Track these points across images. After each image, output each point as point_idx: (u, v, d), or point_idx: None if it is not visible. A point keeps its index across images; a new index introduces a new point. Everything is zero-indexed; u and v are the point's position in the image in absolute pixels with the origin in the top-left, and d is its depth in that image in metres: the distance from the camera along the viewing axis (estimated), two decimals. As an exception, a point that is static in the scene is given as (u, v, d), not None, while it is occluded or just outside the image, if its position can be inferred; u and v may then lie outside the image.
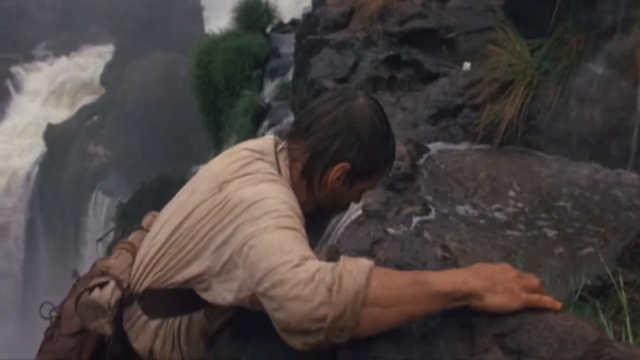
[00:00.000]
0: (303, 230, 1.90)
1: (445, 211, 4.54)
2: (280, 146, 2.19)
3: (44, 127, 26.23)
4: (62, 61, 29.15)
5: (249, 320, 2.00)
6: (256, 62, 11.64)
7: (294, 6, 16.59)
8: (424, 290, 1.63)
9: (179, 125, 22.77)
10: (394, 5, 7.04)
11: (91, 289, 2.27)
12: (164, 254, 2.15)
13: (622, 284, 2.73)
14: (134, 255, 2.34)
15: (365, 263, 1.67)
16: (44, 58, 29.00)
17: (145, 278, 2.21)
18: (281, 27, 13.01)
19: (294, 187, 2.13)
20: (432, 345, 1.67)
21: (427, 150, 5.33)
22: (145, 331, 2.24)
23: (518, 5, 5.89)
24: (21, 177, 25.29)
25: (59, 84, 28.04)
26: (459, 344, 1.66)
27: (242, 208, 1.93)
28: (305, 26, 8.32)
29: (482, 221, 4.42)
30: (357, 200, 2.31)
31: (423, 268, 3.82)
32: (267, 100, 10.35)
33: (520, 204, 4.67)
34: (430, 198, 4.69)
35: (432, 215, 4.48)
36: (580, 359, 1.56)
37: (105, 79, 27.54)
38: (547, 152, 5.35)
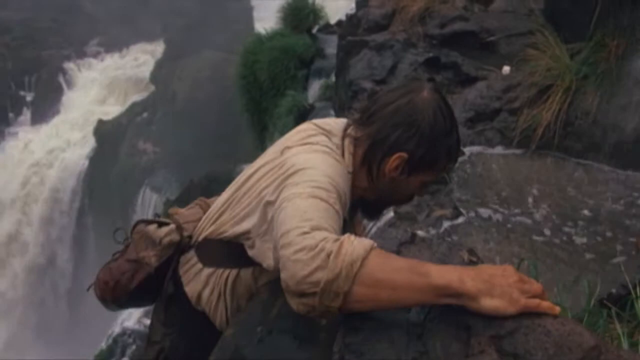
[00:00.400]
0: (337, 206, 1.92)
1: (476, 215, 4.52)
2: (348, 130, 2.24)
3: (94, 122, 26.61)
4: (114, 58, 29.57)
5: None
6: (301, 63, 11.67)
7: (342, 7, 16.62)
8: (419, 279, 1.64)
9: (227, 124, 22.89)
10: (435, 8, 7.03)
11: (150, 223, 2.51)
12: (225, 209, 2.31)
13: (642, 294, 2.69)
14: (204, 212, 2.49)
15: (368, 242, 1.70)
16: (95, 54, 29.43)
17: (205, 229, 2.38)
18: (328, 28, 13.05)
19: (356, 172, 2.19)
20: (427, 345, 1.67)
21: (462, 153, 5.30)
22: (197, 278, 2.40)
23: (558, 9, 5.83)
24: (71, 172, 25.68)
25: (110, 81, 28.43)
26: (455, 344, 1.66)
27: (290, 172, 2.02)
28: (347, 27, 8.35)
29: (511, 226, 4.38)
30: (419, 193, 2.35)
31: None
32: (311, 101, 10.39)
33: (552, 210, 4.63)
34: (461, 202, 4.67)
35: (462, 219, 4.47)
36: (576, 365, 1.55)
37: (155, 76, 27.84)
38: (584, 158, 5.29)
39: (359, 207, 2.44)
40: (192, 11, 28.27)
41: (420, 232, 4.46)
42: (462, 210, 4.57)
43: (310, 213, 1.83)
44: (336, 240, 1.69)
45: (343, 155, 2.17)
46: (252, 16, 28.03)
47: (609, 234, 4.30)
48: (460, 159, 5.31)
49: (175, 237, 2.45)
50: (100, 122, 26.48)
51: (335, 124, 2.28)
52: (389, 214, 4.82)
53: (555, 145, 5.35)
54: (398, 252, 4.12)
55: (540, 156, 5.36)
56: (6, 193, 25.55)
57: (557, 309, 1.63)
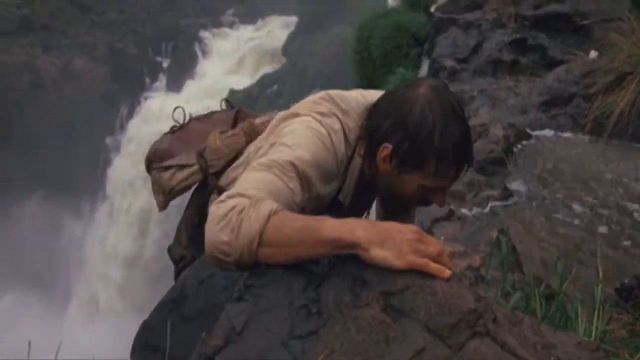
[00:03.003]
0: (293, 184, 2.00)
1: (528, 199, 4.46)
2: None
3: (226, 92, 27.30)
4: (248, 29, 30.18)
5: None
6: (415, 41, 11.61)
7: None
8: (312, 234, 1.73)
9: (354, 100, 22.93)
10: (531, -12, 6.88)
11: (167, 168, 2.63)
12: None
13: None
14: (248, 138, 2.57)
15: (265, 209, 1.78)
16: (231, 25, 30.12)
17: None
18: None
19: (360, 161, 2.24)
20: (321, 294, 1.74)
21: (529, 136, 5.21)
22: None
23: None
24: (203, 139, 26.35)
25: (243, 51, 29.05)
26: (347, 295, 1.71)
27: (273, 140, 2.14)
28: (449, 5, 8.27)
29: (559, 215, 4.28)
30: (419, 197, 2.23)
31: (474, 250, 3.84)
32: (420, 79, 10.34)
33: (612, 201, 4.49)
34: (514, 184, 4.61)
35: (510, 200, 4.42)
36: (453, 326, 1.58)
37: (287, 49, 28.25)
38: (659, 149, 5.10)
39: (378, 197, 2.51)
40: (327, -15, 28.44)
41: (464, 210, 4.46)
42: (514, 192, 4.52)
43: (249, 182, 1.95)
44: (241, 211, 1.80)
45: (348, 138, 2.21)
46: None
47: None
48: (525, 141, 5.24)
49: (194, 179, 2.59)
50: (232, 92, 27.12)
51: (357, 103, 2.29)
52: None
53: (628, 134, 5.18)
54: (430, 228, 4.16)
55: (612, 145, 5.21)
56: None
57: (447, 273, 1.66)
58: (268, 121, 2.52)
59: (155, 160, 2.77)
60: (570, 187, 4.55)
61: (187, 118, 2.85)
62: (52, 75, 26.79)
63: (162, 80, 28.43)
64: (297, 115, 2.22)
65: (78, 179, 25.46)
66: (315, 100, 2.27)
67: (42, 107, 26.04)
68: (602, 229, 4.04)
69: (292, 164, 2.02)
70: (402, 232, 1.68)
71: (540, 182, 4.63)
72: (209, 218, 1.83)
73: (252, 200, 1.83)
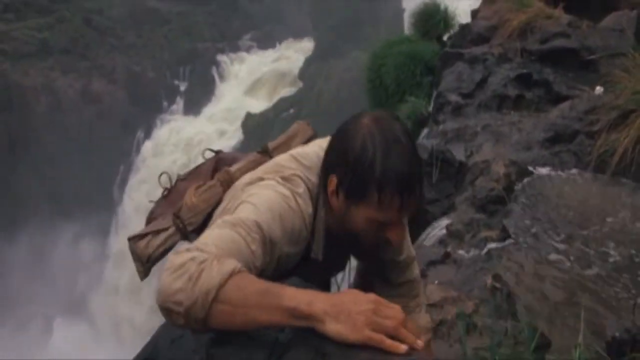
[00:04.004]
0: (254, 246, 1.96)
1: (526, 240, 4.39)
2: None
3: (242, 115, 27.43)
4: (265, 53, 30.38)
5: None
6: (428, 69, 11.60)
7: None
8: (271, 300, 1.71)
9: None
10: (538, 23, 6.85)
11: (142, 237, 2.52)
12: None
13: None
14: (225, 187, 2.48)
15: (229, 266, 1.76)
16: (248, 49, 30.35)
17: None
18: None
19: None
20: (282, 364, 1.72)
21: (531, 174, 5.16)
22: None
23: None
24: (219, 163, 26.50)
25: (260, 75, 29.23)
26: (308, 367, 1.70)
27: (236, 204, 2.13)
28: (457, 37, 8.26)
29: (557, 258, 4.20)
30: (372, 234, 2.14)
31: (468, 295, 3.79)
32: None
33: (612, 244, 4.40)
34: (513, 224, 4.55)
35: (507, 242, 4.36)
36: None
37: (303, 73, 28.41)
38: (663, 189, 5.02)
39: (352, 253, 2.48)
40: (343, 11, 28.59)
41: (461, 252, 4.41)
42: (513, 233, 4.45)
43: (211, 238, 1.93)
44: (202, 262, 1.76)
45: (311, 197, 2.21)
46: (402, 18, 28.02)
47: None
48: (526, 179, 5.18)
49: (172, 240, 2.53)
50: (249, 115, 27.28)
51: (319, 158, 2.26)
52: (442, 231, 4.79)
53: (632, 173, 5.11)
54: (425, 271, 4.11)
55: (615, 184, 5.13)
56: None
57: (403, 348, 1.63)
58: (246, 168, 2.50)
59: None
60: (570, 229, 4.48)
61: (174, 180, 2.83)
62: (70, 98, 27.04)
63: (180, 103, 28.67)
64: (261, 179, 2.22)
65: (94, 199, 25.62)
66: (279, 163, 2.28)
67: (61, 129, 26.27)
68: (600, 273, 3.96)
69: (258, 224, 2.00)
70: (358, 303, 1.66)
71: (539, 224, 4.56)
72: (166, 266, 1.79)
73: (212, 255, 1.80)
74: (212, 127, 28.06)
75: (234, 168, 2.59)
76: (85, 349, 21.59)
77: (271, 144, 2.66)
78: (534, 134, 5.60)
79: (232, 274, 1.75)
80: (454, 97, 6.21)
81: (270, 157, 2.52)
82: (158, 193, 2.83)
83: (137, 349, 2.17)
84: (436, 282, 3.89)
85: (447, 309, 3.60)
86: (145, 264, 2.53)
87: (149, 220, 2.78)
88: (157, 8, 29.27)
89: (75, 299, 24.30)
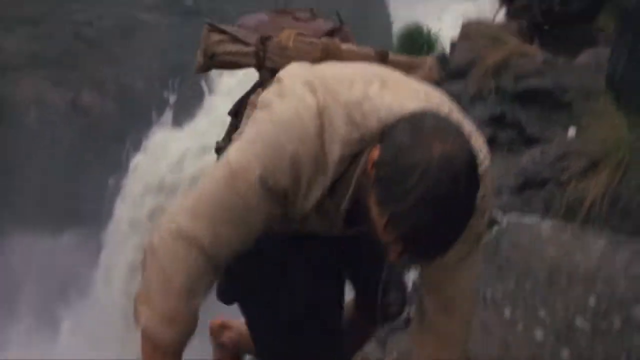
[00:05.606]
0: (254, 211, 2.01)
1: (490, 300, 4.38)
2: None
3: (231, 127, 27.30)
4: (255, 66, 30.27)
5: None
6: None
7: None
8: None
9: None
10: (513, 61, 6.82)
11: (220, 32, 2.68)
12: None
13: None
14: (323, 56, 2.43)
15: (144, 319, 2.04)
16: (237, 61, 30.26)
17: None
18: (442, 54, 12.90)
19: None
20: None
21: (497, 223, 5.15)
22: None
23: (618, 74, 5.54)
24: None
25: (249, 87, 29.10)
26: None
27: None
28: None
29: (523, 324, 4.16)
30: (376, 232, 1.88)
31: None
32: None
33: (581, 302, 4.34)
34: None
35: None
36: None
37: (294, 86, 28.32)
38: (634, 238, 4.99)
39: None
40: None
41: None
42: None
43: (197, 208, 2.04)
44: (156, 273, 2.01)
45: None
46: (391, 34, 27.95)
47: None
48: (497, 227, 5.16)
49: (242, 59, 2.63)
50: (238, 127, 27.13)
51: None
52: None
53: (602, 222, 5.10)
54: (384, 340, 4.08)
55: (585, 233, 5.10)
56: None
57: None
58: (354, 55, 2.38)
59: None
60: (537, 288, 4.47)
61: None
62: (60, 110, 26.94)
63: (169, 115, 28.50)
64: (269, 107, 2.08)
65: (83, 211, 25.49)
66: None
67: (50, 140, 26.18)
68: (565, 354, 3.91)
69: (261, 178, 1.96)
70: None
71: (504, 280, 4.56)
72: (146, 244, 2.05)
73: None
74: (201, 139, 27.95)
75: (344, 46, 2.46)
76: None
77: (392, 56, 2.53)
78: (506, 179, 5.60)
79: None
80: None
81: (383, 63, 2.39)
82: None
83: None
84: (395, 353, 3.83)
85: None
86: (207, 58, 2.49)
87: (237, 26, 2.70)
88: (147, 20, 29.22)
89: (58, 312, 24.16)
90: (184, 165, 26.65)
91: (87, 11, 28.85)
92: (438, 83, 2.65)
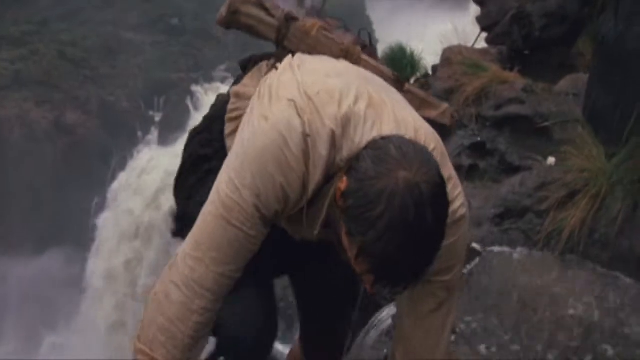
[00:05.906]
0: (253, 232, 2.06)
1: (470, 335, 4.36)
2: None
3: (218, 145, 27.24)
4: (240, 84, 30.30)
5: None
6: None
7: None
8: None
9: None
10: (493, 89, 6.84)
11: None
12: None
13: None
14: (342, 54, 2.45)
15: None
16: (223, 80, 30.26)
17: None
18: (425, 79, 12.93)
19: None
20: None
21: (479, 254, 5.15)
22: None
23: (593, 103, 5.58)
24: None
25: (234, 106, 29.15)
26: None
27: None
28: (417, 93, 8.24)
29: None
30: (353, 264, 1.88)
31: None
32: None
33: (561, 338, 4.33)
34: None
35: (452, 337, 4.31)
36: None
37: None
38: (610, 269, 5.00)
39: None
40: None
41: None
42: (457, 328, 4.41)
43: (201, 244, 2.06)
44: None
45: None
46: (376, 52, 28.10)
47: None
48: (477, 259, 5.15)
49: (262, 28, 2.56)
50: (224, 146, 27.06)
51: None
52: (387, 322, 4.70)
53: (580, 253, 5.11)
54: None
55: (565, 264, 5.11)
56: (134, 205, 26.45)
57: None
58: (374, 67, 2.42)
59: None
60: (518, 323, 4.45)
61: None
62: (44, 129, 26.88)
63: (154, 133, 28.51)
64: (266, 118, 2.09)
65: (68, 230, 25.38)
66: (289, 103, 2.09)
67: (35, 159, 26.09)
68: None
69: (256, 206, 2.00)
70: None
71: (484, 313, 4.55)
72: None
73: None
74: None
75: (363, 55, 2.47)
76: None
77: (409, 86, 2.54)
78: (485, 209, 5.60)
79: None
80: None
81: (400, 89, 2.47)
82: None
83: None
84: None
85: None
86: (229, 12, 2.48)
87: None
88: (131, 39, 29.26)
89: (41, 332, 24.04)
90: (170, 181, 26.56)
91: (72, 31, 28.88)
92: (449, 131, 2.69)
